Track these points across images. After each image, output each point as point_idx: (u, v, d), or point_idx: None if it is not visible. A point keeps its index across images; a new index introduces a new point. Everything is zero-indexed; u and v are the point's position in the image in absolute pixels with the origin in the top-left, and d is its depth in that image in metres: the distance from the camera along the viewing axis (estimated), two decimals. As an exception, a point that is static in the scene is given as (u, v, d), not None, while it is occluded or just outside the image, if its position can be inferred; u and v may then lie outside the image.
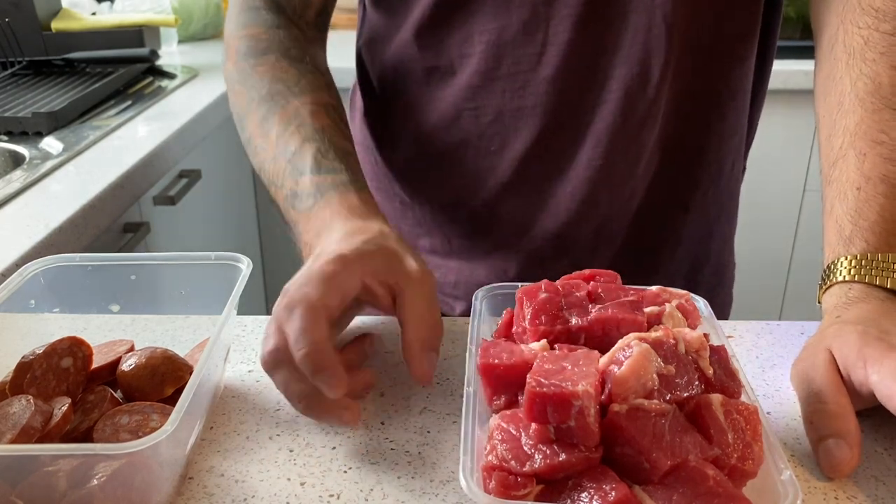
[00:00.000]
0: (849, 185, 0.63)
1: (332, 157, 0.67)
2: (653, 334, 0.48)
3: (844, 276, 0.60)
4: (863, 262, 0.60)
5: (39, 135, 1.23)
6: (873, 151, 0.63)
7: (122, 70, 1.52)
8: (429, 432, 0.55)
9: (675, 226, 0.84)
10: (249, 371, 0.63)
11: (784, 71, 1.68)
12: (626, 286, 0.57)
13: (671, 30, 0.71)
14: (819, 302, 0.63)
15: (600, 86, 0.74)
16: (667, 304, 0.55)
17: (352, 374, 0.53)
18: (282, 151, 0.68)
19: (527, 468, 0.43)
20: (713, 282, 0.89)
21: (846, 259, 0.61)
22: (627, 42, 0.72)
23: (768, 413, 0.57)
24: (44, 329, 0.61)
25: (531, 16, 0.72)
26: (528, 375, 0.46)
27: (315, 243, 0.61)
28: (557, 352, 0.49)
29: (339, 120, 0.72)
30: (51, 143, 1.19)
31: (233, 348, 0.65)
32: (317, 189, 0.64)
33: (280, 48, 0.75)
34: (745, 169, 0.89)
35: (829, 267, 0.63)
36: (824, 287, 0.63)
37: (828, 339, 0.56)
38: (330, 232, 0.60)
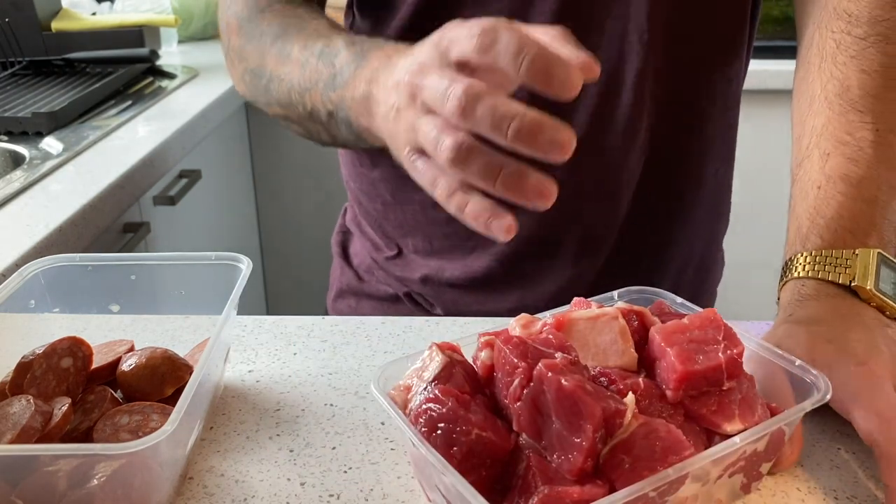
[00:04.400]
0: (810, 184, 0.64)
1: (364, 38, 0.64)
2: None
3: (799, 273, 0.61)
4: (817, 258, 0.61)
5: (39, 135, 1.22)
6: (837, 151, 0.64)
7: (122, 70, 1.52)
8: (429, 432, 0.55)
9: (660, 232, 0.83)
10: (249, 371, 0.63)
11: (784, 71, 1.68)
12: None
13: (646, 36, 0.71)
14: (778, 298, 0.64)
15: None
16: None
17: None
18: (309, 55, 0.67)
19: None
20: (697, 282, 0.89)
21: (801, 256, 0.62)
22: (603, 47, 0.72)
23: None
24: (44, 329, 0.61)
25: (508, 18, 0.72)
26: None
27: (385, 64, 0.56)
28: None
29: None
30: (51, 143, 1.19)
31: (233, 348, 0.65)
32: (357, 54, 0.62)
33: (283, 0, 0.75)
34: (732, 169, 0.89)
35: (786, 263, 0.64)
36: (781, 284, 0.64)
37: (777, 338, 0.56)
38: (399, 54, 0.55)
